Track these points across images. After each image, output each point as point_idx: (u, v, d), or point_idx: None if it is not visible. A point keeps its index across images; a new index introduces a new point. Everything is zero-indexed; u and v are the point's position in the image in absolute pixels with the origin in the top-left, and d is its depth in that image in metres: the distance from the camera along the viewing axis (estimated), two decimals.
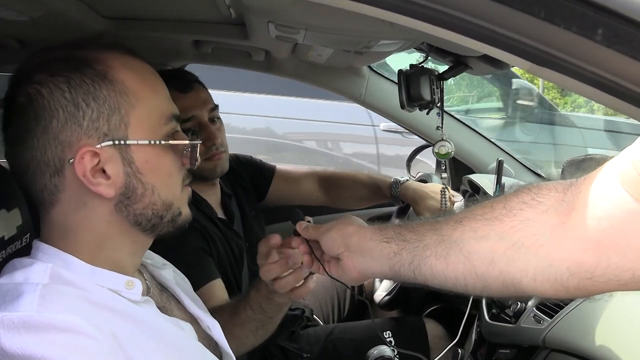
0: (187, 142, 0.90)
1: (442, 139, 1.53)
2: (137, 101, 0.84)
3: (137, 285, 0.87)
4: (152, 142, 0.85)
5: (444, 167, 1.60)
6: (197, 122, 1.59)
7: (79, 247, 0.84)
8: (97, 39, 0.90)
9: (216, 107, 1.66)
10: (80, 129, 0.80)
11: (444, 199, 1.65)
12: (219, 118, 1.67)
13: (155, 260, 1.07)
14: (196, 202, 1.55)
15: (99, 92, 0.81)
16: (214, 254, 1.51)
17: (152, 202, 0.86)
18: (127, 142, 0.83)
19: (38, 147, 0.81)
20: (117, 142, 0.82)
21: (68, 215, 0.84)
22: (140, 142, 0.84)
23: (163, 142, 0.86)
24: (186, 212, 0.94)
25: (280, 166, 2.02)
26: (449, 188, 1.69)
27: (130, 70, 0.85)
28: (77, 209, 0.84)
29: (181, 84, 1.59)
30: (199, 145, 0.93)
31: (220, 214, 1.68)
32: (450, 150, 1.53)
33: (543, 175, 2.37)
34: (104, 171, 0.82)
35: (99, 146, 0.80)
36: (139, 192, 0.85)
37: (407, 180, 1.85)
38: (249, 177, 1.89)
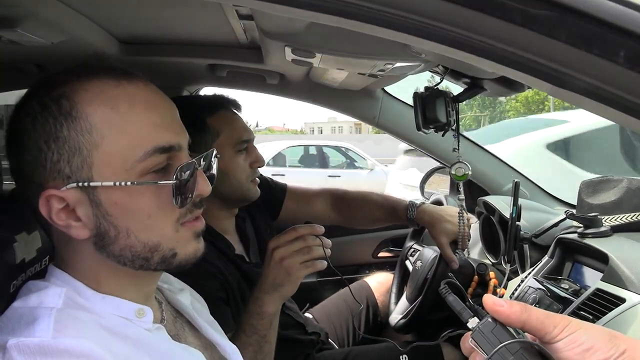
0: (164, 182, 0.80)
1: (459, 161, 1.53)
2: (103, 139, 0.77)
3: (149, 313, 0.85)
4: (118, 183, 0.77)
5: (461, 189, 1.59)
6: (251, 142, 1.61)
7: (82, 277, 0.82)
8: (83, 65, 0.82)
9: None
10: (45, 171, 0.77)
11: (462, 222, 1.64)
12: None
13: (172, 284, 1.06)
14: (212, 238, 1.51)
15: (60, 132, 0.76)
16: (232, 301, 1.47)
17: (129, 245, 0.81)
18: (91, 184, 0.77)
19: (22, 179, 0.81)
20: (80, 184, 0.77)
21: (62, 248, 0.84)
22: (104, 184, 0.77)
23: (129, 183, 0.78)
24: (186, 252, 0.85)
25: (291, 185, 1.99)
26: (466, 210, 1.67)
27: (101, 104, 0.77)
28: (66, 244, 0.83)
29: (237, 104, 1.62)
30: (196, 178, 0.84)
31: (237, 248, 1.64)
32: (467, 172, 1.53)
33: (558, 197, 2.36)
34: (76, 213, 0.78)
35: (63, 189, 0.77)
36: (111, 235, 0.80)
37: (423, 203, 1.84)
38: (262, 195, 1.87)
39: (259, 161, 1.61)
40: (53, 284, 0.81)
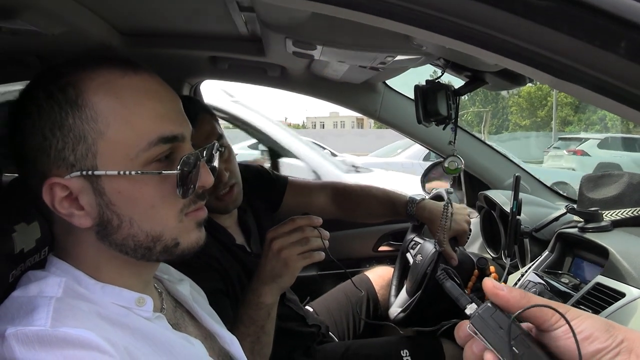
0: (168, 172, 0.80)
1: (453, 154, 1.53)
2: (108, 128, 0.77)
3: (149, 302, 0.86)
4: (122, 172, 0.77)
5: (451, 183, 1.58)
6: None
7: (83, 267, 0.82)
8: (89, 55, 0.82)
9: (221, 137, 1.56)
10: (49, 159, 0.77)
11: (445, 214, 1.64)
12: (226, 147, 1.57)
13: (172, 274, 1.07)
14: (212, 229, 1.51)
15: (65, 120, 0.76)
16: (231, 293, 1.48)
17: (132, 234, 0.81)
18: (95, 172, 0.77)
19: (25, 167, 0.81)
20: (84, 172, 0.77)
21: (64, 237, 0.85)
22: (108, 172, 0.77)
23: (134, 172, 0.78)
24: (189, 241, 0.86)
25: (292, 177, 1.99)
26: (452, 204, 1.67)
27: (107, 93, 0.78)
28: (68, 233, 0.83)
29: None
30: (199, 169, 0.84)
31: (238, 238, 1.64)
32: (459, 166, 1.52)
33: (560, 191, 2.35)
34: (79, 201, 0.79)
35: (67, 177, 0.77)
36: (114, 224, 0.80)
37: (424, 199, 1.84)
38: (263, 187, 1.88)
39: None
40: (53, 273, 0.81)
